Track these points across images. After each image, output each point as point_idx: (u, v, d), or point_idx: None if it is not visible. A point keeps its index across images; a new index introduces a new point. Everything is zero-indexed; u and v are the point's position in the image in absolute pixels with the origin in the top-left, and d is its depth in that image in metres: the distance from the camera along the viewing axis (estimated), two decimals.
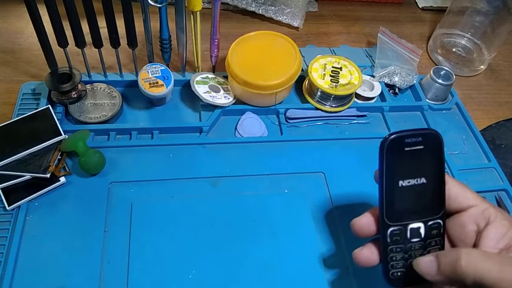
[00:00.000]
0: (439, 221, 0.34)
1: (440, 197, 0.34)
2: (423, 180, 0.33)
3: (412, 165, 0.33)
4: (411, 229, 0.34)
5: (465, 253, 0.30)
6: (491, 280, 0.28)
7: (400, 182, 0.33)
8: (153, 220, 0.43)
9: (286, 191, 0.48)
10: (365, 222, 0.35)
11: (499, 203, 0.50)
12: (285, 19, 0.69)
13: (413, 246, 0.34)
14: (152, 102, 0.54)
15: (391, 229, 0.33)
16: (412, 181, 0.33)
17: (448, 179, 0.34)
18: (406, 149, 0.32)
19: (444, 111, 0.60)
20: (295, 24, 0.69)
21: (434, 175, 0.33)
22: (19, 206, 0.43)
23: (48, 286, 0.38)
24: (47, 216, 0.43)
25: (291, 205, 0.46)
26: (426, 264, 0.32)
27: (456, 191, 0.34)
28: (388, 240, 0.34)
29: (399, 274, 0.34)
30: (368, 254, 0.35)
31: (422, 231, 0.34)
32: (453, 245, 0.35)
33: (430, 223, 0.34)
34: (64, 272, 0.39)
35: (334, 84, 0.54)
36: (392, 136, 0.32)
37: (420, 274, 0.32)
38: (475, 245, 0.33)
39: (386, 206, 0.33)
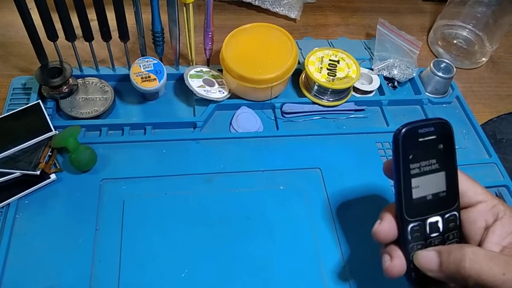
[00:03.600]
0: (455, 212, 0.33)
1: (455, 187, 0.33)
2: (438, 170, 0.32)
3: (426, 156, 0.32)
4: (430, 223, 0.33)
5: (470, 253, 0.29)
6: (493, 283, 0.27)
7: (416, 175, 0.32)
8: (145, 218, 0.43)
9: (281, 187, 0.47)
10: (389, 228, 0.33)
11: None
12: (282, 10, 0.68)
13: (432, 241, 0.33)
14: (145, 97, 0.53)
15: (411, 225, 0.32)
16: (428, 173, 0.32)
17: (458, 172, 0.33)
18: (420, 139, 0.31)
19: (444, 105, 0.59)
20: (292, 16, 0.68)
21: (448, 165, 0.32)
22: (8, 204, 0.42)
23: (38, 285, 0.38)
24: (37, 214, 0.42)
25: (287, 202, 0.46)
26: (427, 259, 0.31)
27: (466, 186, 0.33)
28: (409, 237, 0.32)
29: (421, 273, 0.32)
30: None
31: (440, 225, 0.33)
32: (463, 240, 0.34)
33: (447, 215, 0.33)
34: (54, 271, 0.38)
35: (331, 77, 0.52)
36: (407, 127, 0.31)
37: (420, 268, 0.31)
38: (481, 241, 0.32)
39: (405, 202, 0.32)
